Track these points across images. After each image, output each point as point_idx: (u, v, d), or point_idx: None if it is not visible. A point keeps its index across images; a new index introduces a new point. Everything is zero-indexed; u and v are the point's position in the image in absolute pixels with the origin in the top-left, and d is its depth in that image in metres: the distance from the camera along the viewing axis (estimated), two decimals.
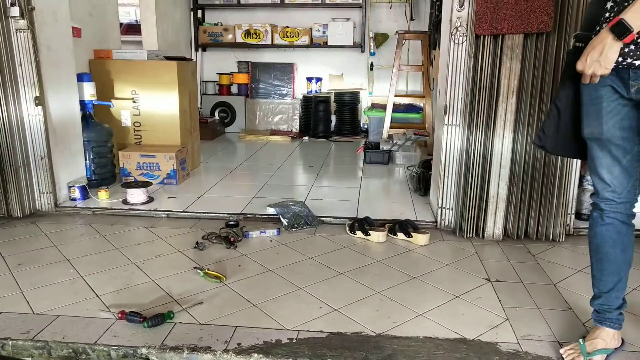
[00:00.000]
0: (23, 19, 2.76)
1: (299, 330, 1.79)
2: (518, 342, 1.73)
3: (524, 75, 2.49)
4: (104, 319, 1.85)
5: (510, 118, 2.52)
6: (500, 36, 2.45)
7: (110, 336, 1.74)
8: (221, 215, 2.99)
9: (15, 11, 2.73)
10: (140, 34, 5.20)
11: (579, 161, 2.62)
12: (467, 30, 2.52)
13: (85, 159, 3.41)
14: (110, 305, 1.95)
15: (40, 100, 2.89)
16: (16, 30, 2.79)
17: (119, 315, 1.83)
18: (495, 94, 2.52)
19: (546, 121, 1.67)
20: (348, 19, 6.02)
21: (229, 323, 1.83)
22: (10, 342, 1.71)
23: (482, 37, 2.47)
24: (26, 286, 2.11)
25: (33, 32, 2.81)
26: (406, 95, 5.85)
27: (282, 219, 2.86)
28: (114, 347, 1.69)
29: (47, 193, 3.02)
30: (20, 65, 2.83)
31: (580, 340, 1.62)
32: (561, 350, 1.64)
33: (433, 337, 1.76)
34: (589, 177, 2.83)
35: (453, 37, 2.55)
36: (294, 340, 1.73)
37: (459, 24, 2.53)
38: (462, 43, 2.55)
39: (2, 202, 2.93)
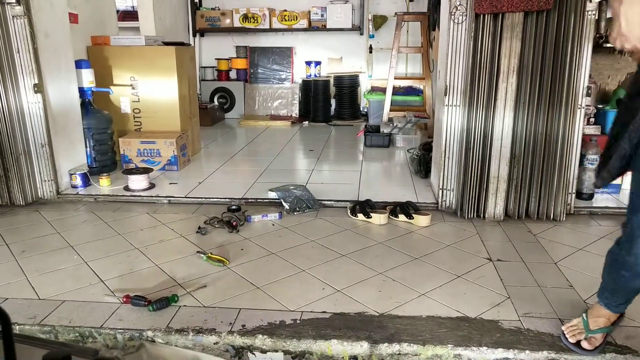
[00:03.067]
0: (19, 5, 2.74)
1: (302, 312, 1.81)
2: (520, 320, 1.75)
3: (524, 54, 2.47)
4: (109, 303, 1.87)
5: (510, 97, 2.51)
6: (500, 15, 2.43)
7: (115, 320, 1.76)
8: (223, 200, 2.99)
9: None
10: (137, 21, 5.16)
11: (580, 140, 2.61)
12: (466, 9, 2.50)
13: (86, 146, 3.41)
14: (115, 289, 1.97)
15: (39, 88, 2.88)
16: (13, 16, 2.76)
17: (124, 300, 1.85)
18: (495, 74, 2.50)
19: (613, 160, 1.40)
20: (346, 1, 5.96)
21: (233, 305, 1.85)
22: (17, 327, 1.73)
23: (482, 15, 2.44)
24: (31, 273, 2.12)
25: (30, 18, 2.79)
26: (406, 78, 5.82)
27: (283, 202, 2.86)
28: (120, 331, 1.70)
29: (48, 181, 3.03)
30: (18, 52, 2.81)
31: (584, 315, 1.62)
32: (563, 327, 1.65)
33: (435, 316, 1.77)
34: (589, 157, 2.83)
35: (452, 16, 2.53)
36: (298, 321, 1.74)
37: (458, 3, 2.50)
38: (462, 22, 2.53)
39: (5, 191, 2.94)
